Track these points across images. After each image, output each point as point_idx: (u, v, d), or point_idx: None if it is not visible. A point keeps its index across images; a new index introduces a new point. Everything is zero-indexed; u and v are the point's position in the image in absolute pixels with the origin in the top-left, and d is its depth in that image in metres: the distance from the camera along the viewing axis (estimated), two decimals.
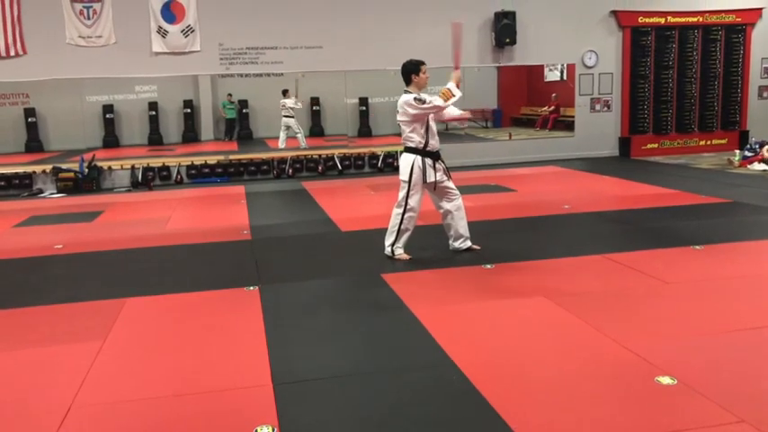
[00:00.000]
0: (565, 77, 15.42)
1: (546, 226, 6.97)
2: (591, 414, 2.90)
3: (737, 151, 11.53)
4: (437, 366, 3.45)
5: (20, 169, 11.28)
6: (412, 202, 5.48)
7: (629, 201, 8.19)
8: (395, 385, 3.28)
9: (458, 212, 5.66)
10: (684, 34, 12.91)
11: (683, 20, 12.78)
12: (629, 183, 9.63)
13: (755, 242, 6.00)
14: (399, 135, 5.63)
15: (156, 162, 11.80)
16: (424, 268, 5.36)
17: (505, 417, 2.88)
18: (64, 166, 11.25)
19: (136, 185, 11.33)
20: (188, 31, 11.26)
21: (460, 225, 5.70)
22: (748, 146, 11.26)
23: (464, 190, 5.78)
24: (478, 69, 15.28)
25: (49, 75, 10.93)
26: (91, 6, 10.91)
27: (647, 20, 12.66)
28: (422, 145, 5.42)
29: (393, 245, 5.61)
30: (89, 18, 10.93)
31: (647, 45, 12.78)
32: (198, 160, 11.92)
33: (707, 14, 12.83)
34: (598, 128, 12.92)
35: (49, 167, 11.22)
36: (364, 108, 16.47)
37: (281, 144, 14.07)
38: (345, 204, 8.71)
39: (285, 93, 14.10)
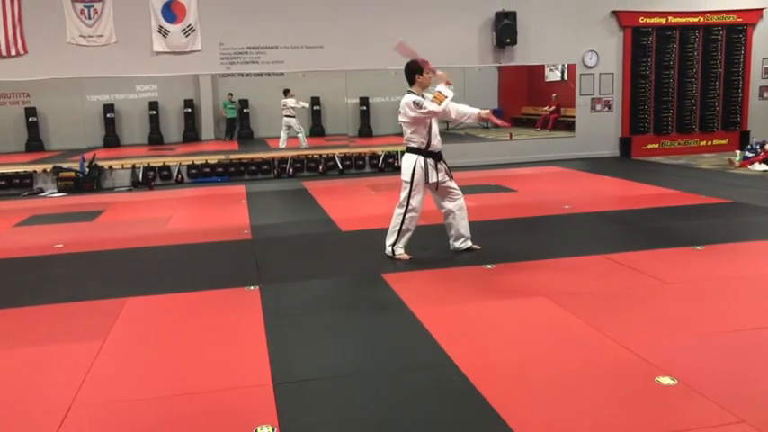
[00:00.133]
0: (565, 77, 15.43)
1: (546, 226, 6.97)
2: (591, 414, 2.90)
3: (738, 152, 11.53)
4: (437, 366, 3.45)
5: (20, 169, 11.29)
6: (414, 202, 5.48)
7: (629, 201, 8.18)
8: (395, 385, 3.28)
9: (460, 212, 5.66)
10: (685, 34, 12.91)
11: (683, 20, 12.78)
12: (629, 183, 9.62)
13: (756, 242, 6.00)
14: (400, 135, 5.63)
15: (156, 162, 11.80)
16: (425, 268, 5.36)
17: (505, 417, 2.87)
18: (64, 166, 11.26)
19: (136, 185, 11.33)
20: (189, 31, 11.27)
21: (462, 225, 5.70)
22: (749, 146, 11.26)
23: (465, 190, 5.78)
24: (479, 69, 15.29)
25: (49, 74, 10.93)
26: (92, 6, 10.91)
27: (647, 20, 12.65)
28: (424, 145, 5.42)
29: (394, 245, 5.61)
30: (90, 17, 10.93)
31: (648, 45, 12.78)
32: (198, 160, 11.93)
33: (708, 15, 12.82)
34: (599, 128, 12.92)
35: (49, 167, 11.23)
36: (365, 108, 16.48)
37: (282, 144, 14.08)
38: (346, 204, 8.71)
39: (286, 93, 14.10)
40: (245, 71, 12.72)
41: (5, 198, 10.49)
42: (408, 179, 5.45)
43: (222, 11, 11.30)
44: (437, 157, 5.50)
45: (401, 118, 5.45)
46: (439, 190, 5.59)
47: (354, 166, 12.21)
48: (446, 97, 5.21)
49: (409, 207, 5.48)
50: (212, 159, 11.96)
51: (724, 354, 3.49)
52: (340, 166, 12.12)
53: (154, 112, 16.42)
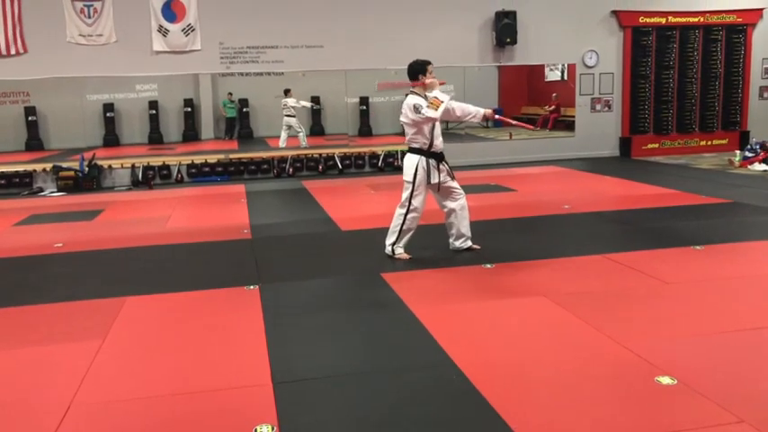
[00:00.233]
0: (565, 77, 15.43)
1: (546, 226, 6.97)
2: (591, 414, 2.90)
3: (738, 152, 11.53)
4: (437, 366, 3.45)
5: (20, 168, 11.29)
6: (416, 202, 5.49)
7: (629, 201, 8.18)
8: (394, 385, 3.28)
9: (462, 212, 5.66)
10: (685, 34, 12.91)
11: (683, 20, 12.78)
12: (629, 183, 9.62)
13: (755, 242, 6.00)
14: (400, 134, 5.63)
15: (156, 161, 11.80)
16: (425, 268, 5.36)
17: (505, 417, 2.87)
18: (64, 165, 11.25)
19: (136, 184, 11.33)
20: (189, 30, 11.26)
21: (463, 224, 5.70)
22: (749, 146, 11.26)
23: (464, 189, 5.77)
24: (479, 69, 15.27)
25: (49, 73, 10.93)
26: (91, 5, 10.91)
27: (647, 20, 12.65)
28: (426, 146, 5.43)
29: (394, 244, 5.61)
30: (90, 17, 10.92)
31: (648, 45, 12.78)
32: (198, 159, 11.92)
33: (708, 15, 12.82)
34: (599, 128, 12.92)
35: (49, 166, 11.23)
36: (365, 107, 16.47)
37: (282, 143, 14.07)
38: (346, 204, 8.71)
39: (287, 92, 14.09)
40: (245, 70, 12.71)
41: (5, 197, 10.48)
42: (410, 179, 5.45)
43: (222, 10, 11.30)
44: (439, 157, 5.50)
45: (402, 119, 5.46)
46: (441, 190, 5.59)
47: (354, 165, 12.21)
48: (442, 102, 5.24)
49: (411, 207, 5.49)
50: (212, 159, 11.96)
51: (724, 354, 3.49)
52: (340, 166, 12.12)
53: (153, 112, 16.41)
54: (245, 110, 17.16)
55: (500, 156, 12.81)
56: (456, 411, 2.98)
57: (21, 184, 11.02)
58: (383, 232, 5.77)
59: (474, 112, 5.45)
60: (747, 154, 10.95)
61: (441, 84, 5.35)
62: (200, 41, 11.31)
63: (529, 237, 6.52)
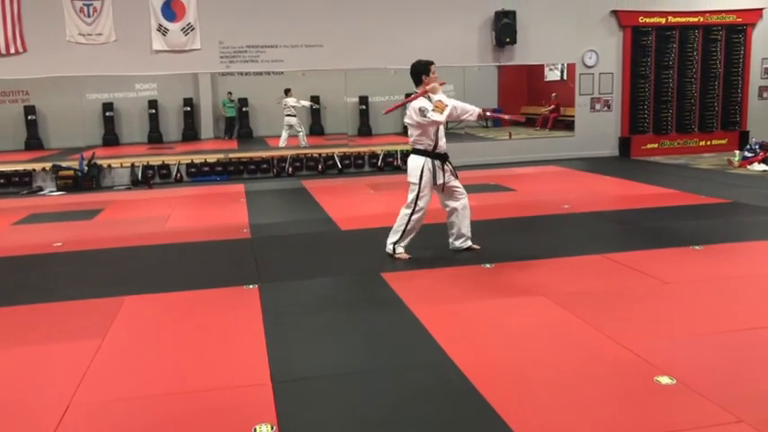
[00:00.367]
0: (565, 77, 15.43)
1: (546, 226, 6.97)
2: (591, 414, 2.90)
3: (737, 151, 11.53)
4: (437, 366, 3.45)
5: (20, 167, 11.28)
6: (422, 203, 5.51)
7: (628, 201, 8.19)
8: (394, 384, 3.28)
9: (463, 211, 5.68)
10: (685, 34, 12.91)
11: (683, 20, 12.78)
12: (628, 183, 9.62)
13: (755, 242, 6.00)
14: (399, 134, 5.64)
15: (155, 160, 11.79)
16: (424, 268, 5.36)
17: (505, 417, 2.87)
18: (64, 164, 11.24)
19: (135, 183, 11.32)
20: (188, 30, 11.25)
21: (464, 224, 5.71)
22: (748, 146, 11.26)
23: (464, 189, 5.78)
24: (479, 69, 15.29)
25: (48, 72, 10.92)
26: (91, 4, 10.90)
27: (647, 20, 12.65)
28: (431, 147, 5.45)
29: (396, 243, 5.62)
30: (89, 16, 10.91)
31: (648, 45, 12.78)
32: (198, 158, 11.92)
33: (707, 14, 12.82)
34: (598, 128, 12.91)
35: (48, 165, 11.22)
36: (364, 107, 16.47)
37: (283, 143, 14.07)
38: (345, 203, 8.71)
39: (287, 92, 14.09)
40: (245, 70, 12.71)
41: (4, 196, 10.47)
42: (416, 181, 5.46)
43: (222, 9, 11.29)
44: (443, 158, 5.53)
45: (407, 120, 5.49)
46: (445, 190, 5.62)
47: (354, 165, 12.20)
48: (447, 105, 5.28)
49: (417, 208, 5.51)
50: (211, 158, 11.95)
51: (723, 354, 3.49)
52: (339, 165, 12.11)
53: (153, 111, 16.41)
54: (244, 109, 17.16)
55: (500, 155, 12.81)
56: (455, 411, 2.98)
57: (20, 183, 11.01)
58: (383, 232, 5.77)
59: (471, 110, 5.62)
60: (747, 154, 10.95)
61: (441, 84, 5.36)
62: (200, 41, 11.30)
63: (528, 236, 6.52)
